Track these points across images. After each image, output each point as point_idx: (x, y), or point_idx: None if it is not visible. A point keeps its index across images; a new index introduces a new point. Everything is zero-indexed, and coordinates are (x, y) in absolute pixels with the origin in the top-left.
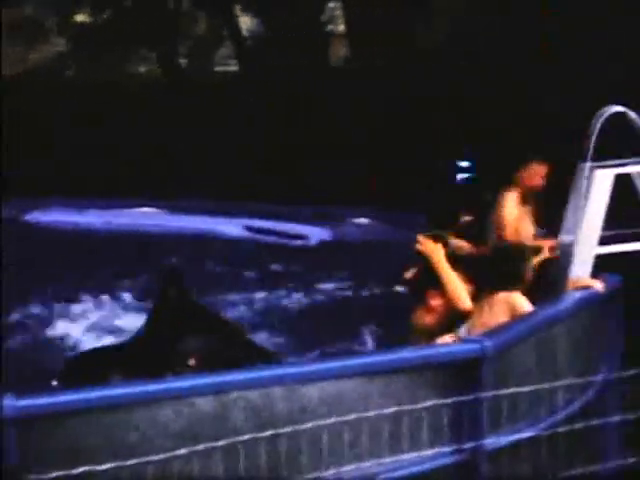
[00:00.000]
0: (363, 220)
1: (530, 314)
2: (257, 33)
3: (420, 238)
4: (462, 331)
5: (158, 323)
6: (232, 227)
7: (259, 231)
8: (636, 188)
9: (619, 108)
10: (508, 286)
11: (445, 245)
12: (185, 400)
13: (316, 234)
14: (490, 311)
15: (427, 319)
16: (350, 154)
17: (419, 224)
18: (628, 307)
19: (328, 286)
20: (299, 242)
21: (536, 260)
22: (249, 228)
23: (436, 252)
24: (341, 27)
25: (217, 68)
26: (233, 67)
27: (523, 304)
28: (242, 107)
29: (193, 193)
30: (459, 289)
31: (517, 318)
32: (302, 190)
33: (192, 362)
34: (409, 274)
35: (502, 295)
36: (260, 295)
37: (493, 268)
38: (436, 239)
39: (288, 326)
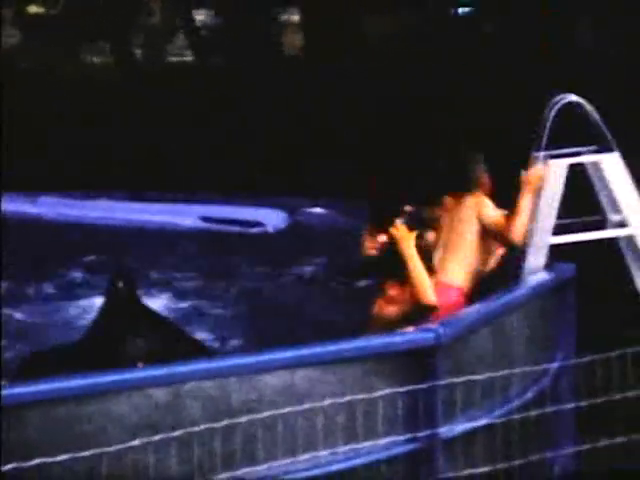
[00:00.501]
0: (319, 210)
1: (485, 302)
2: (212, 24)
3: (397, 223)
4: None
5: (107, 323)
6: (187, 218)
7: (215, 221)
8: (590, 178)
9: (573, 97)
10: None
11: (419, 237)
12: (140, 391)
13: (273, 220)
14: (458, 219)
15: (388, 310)
16: (304, 144)
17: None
18: (581, 295)
19: (289, 274)
20: (256, 230)
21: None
22: (205, 218)
23: (407, 239)
24: (296, 17)
25: (171, 59)
26: (188, 57)
27: (488, 206)
28: (196, 97)
29: (149, 185)
30: (425, 281)
31: (484, 222)
32: (255, 180)
33: (140, 364)
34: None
35: (468, 201)
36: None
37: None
38: (411, 229)
39: (242, 319)
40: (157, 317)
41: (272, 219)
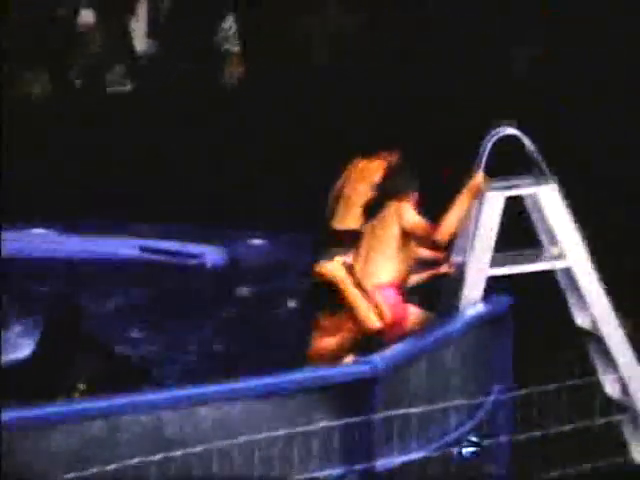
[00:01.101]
0: (258, 241)
1: (421, 334)
2: (151, 52)
3: (322, 262)
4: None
5: (49, 347)
6: (126, 248)
7: (154, 251)
8: (527, 210)
9: (511, 130)
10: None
11: (350, 269)
12: (75, 425)
13: (211, 254)
14: (380, 225)
15: (324, 343)
16: (244, 173)
17: (312, 245)
18: (518, 328)
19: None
20: (194, 261)
21: (433, 273)
22: (144, 249)
23: (339, 272)
24: (236, 48)
25: (110, 88)
26: (127, 87)
27: (409, 211)
28: (135, 126)
29: (86, 214)
30: (366, 308)
31: (404, 226)
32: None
33: (82, 386)
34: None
35: (392, 206)
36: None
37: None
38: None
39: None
40: (98, 342)
41: (210, 253)
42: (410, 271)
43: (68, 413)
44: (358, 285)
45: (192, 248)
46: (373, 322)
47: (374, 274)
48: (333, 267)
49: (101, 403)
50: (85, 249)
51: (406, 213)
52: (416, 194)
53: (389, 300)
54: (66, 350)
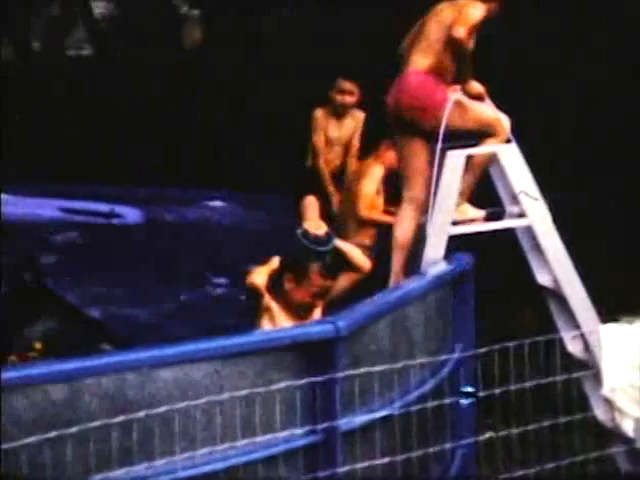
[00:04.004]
0: (218, 203)
1: (384, 293)
2: (110, 16)
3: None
4: None
5: (10, 307)
6: (46, 209)
7: (74, 212)
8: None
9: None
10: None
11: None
12: (36, 387)
13: (133, 213)
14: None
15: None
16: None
17: (283, 207)
18: (480, 286)
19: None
20: (115, 220)
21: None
22: (64, 209)
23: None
24: (196, 11)
25: (70, 52)
26: (87, 51)
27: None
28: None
29: (8, 176)
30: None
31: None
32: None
33: (38, 345)
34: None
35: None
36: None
37: None
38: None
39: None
40: (59, 300)
41: (133, 213)
42: None
43: (28, 376)
44: None
45: (113, 207)
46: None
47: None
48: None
49: (61, 365)
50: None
51: (368, 175)
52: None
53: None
54: (22, 307)
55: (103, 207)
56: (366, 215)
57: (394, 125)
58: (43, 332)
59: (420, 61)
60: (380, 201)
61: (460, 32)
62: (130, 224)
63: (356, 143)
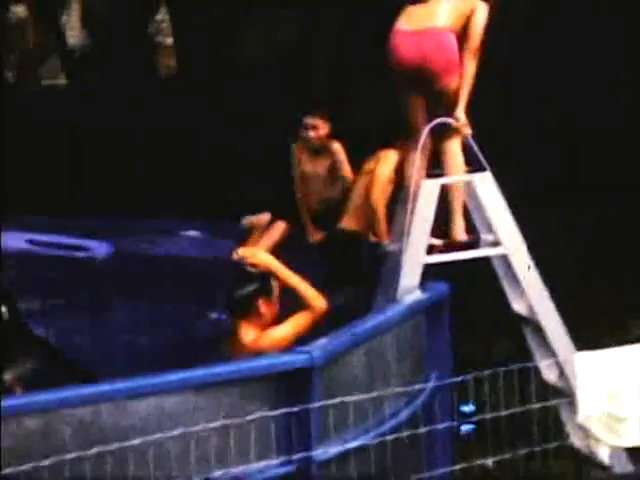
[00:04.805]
0: (193, 233)
1: (359, 322)
2: (84, 46)
3: (246, 251)
4: None
5: None
6: (14, 240)
7: (42, 244)
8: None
9: (446, 119)
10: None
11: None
12: (11, 418)
13: (101, 247)
14: None
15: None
16: (183, 164)
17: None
18: (456, 314)
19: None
20: (82, 254)
21: None
22: (32, 241)
23: (270, 258)
24: (169, 39)
25: (45, 82)
26: (61, 80)
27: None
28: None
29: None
30: (310, 289)
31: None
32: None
33: (18, 389)
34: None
35: None
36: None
37: None
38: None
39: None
40: (37, 339)
41: (101, 247)
42: None
43: (4, 408)
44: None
45: (81, 241)
46: (320, 300)
47: None
48: (262, 255)
49: (36, 397)
50: None
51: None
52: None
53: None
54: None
55: (71, 240)
56: (375, 202)
57: (406, 79)
58: (22, 374)
59: (446, 20)
60: (390, 189)
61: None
62: (98, 257)
63: (346, 174)
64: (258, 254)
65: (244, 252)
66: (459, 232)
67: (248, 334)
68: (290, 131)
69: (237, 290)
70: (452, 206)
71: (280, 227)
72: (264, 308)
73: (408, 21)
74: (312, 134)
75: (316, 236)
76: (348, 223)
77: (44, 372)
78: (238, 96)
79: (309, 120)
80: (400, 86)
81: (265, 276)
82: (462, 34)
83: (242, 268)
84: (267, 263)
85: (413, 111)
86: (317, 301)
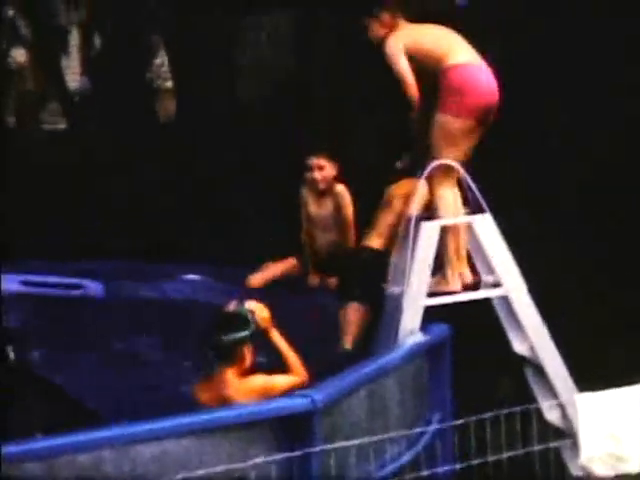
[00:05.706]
0: (193, 277)
1: (360, 365)
2: (84, 90)
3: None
4: None
5: None
6: (8, 282)
7: (36, 285)
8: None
9: (447, 161)
10: None
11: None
12: (13, 465)
13: (97, 286)
14: None
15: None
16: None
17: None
18: (457, 356)
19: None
20: (77, 292)
21: None
22: (26, 282)
23: (270, 319)
24: (169, 83)
25: (45, 126)
26: (61, 125)
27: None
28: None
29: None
30: (296, 359)
31: None
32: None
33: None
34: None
35: None
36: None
37: None
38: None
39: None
40: (48, 385)
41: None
42: None
43: (5, 454)
44: None
45: (75, 280)
46: (303, 372)
47: None
48: (267, 313)
49: (38, 444)
50: None
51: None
52: None
53: None
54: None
55: (65, 279)
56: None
57: (483, 116)
58: (37, 419)
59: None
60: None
61: None
62: (92, 297)
63: (348, 221)
64: (265, 311)
65: (252, 305)
66: (451, 280)
67: (228, 379)
68: (294, 173)
69: (227, 335)
70: (446, 251)
71: (290, 263)
72: (247, 355)
73: (467, 54)
74: (317, 175)
75: (315, 280)
76: (373, 242)
77: (55, 418)
78: (239, 141)
79: (314, 161)
80: (466, 125)
81: (256, 326)
82: None
83: (232, 313)
84: (268, 323)
85: (463, 145)
86: (299, 373)
